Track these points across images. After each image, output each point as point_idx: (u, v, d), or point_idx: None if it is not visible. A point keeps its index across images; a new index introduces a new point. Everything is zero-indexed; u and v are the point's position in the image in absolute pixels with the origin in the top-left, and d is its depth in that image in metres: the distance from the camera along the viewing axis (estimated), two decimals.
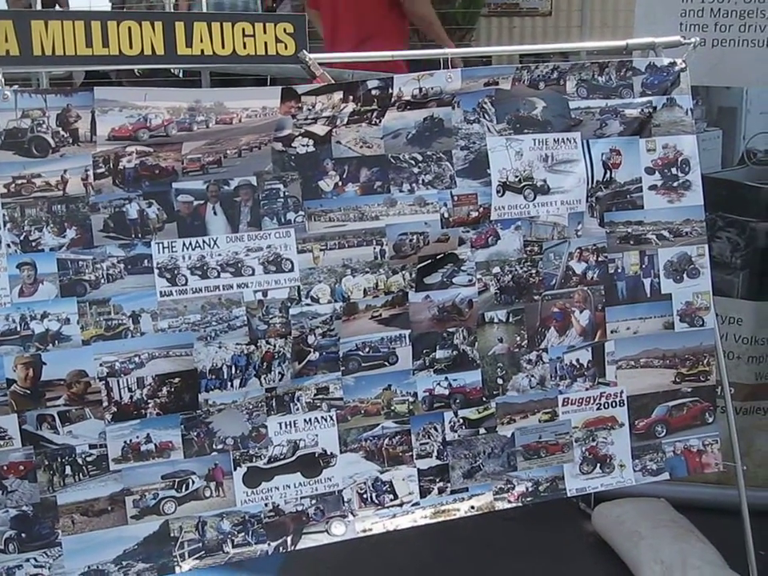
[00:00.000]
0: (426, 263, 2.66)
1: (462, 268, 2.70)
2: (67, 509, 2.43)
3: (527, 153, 2.74)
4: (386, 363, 2.67)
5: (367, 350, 2.65)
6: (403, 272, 2.63)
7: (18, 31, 2.33)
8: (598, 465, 2.90)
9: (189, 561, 2.53)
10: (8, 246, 2.35)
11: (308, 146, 2.58)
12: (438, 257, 2.67)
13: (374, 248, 2.61)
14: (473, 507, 2.78)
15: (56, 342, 2.37)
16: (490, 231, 2.72)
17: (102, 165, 2.40)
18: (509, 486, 2.82)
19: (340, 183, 2.60)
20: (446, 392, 2.75)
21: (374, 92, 2.60)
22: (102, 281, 2.41)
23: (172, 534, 2.52)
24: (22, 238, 2.35)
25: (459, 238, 2.68)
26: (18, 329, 2.34)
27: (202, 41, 2.58)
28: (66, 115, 2.36)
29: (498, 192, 2.71)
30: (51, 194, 2.37)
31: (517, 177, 2.73)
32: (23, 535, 2.40)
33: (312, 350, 2.58)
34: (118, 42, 2.46)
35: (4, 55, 2.32)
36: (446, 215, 2.66)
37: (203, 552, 2.55)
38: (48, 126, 2.35)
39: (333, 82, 2.60)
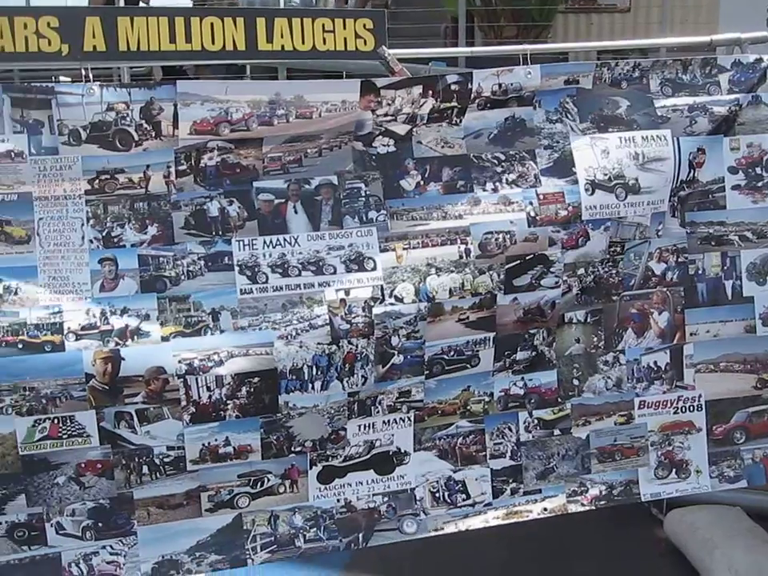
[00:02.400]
0: (514, 264, 2.60)
1: (551, 270, 2.63)
2: (143, 502, 2.45)
3: (614, 151, 2.67)
4: (468, 365, 2.63)
5: (452, 353, 2.60)
6: (490, 272, 2.58)
7: (105, 27, 2.36)
8: (674, 470, 2.84)
9: (261, 554, 2.55)
10: (90, 241, 2.36)
11: (389, 145, 2.56)
12: (527, 257, 2.61)
13: (459, 247, 2.56)
14: (545, 509, 2.75)
15: (135, 337, 2.36)
16: (581, 231, 2.65)
17: (183, 162, 2.41)
18: (582, 488, 2.78)
19: (422, 182, 2.57)
20: (521, 392, 2.71)
21: (453, 87, 2.57)
22: (183, 277, 2.41)
23: (245, 527, 2.53)
24: (104, 234, 2.37)
25: (549, 238, 2.62)
26: (98, 323, 2.35)
27: (282, 36, 2.58)
28: (149, 108, 2.37)
29: (586, 190, 2.65)
30: (134, 191, 2.38)
31: (606, 175, 2.66)
32: (100, 524, 2.44)
33: (396, 352, 2.54)
34: (201, 38, 2.48)
35: (91, 50, 2.34)
36: (532, 214, 2.60)
37: (275, 546, 2.56)
38: (132, 119, 2.36)
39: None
